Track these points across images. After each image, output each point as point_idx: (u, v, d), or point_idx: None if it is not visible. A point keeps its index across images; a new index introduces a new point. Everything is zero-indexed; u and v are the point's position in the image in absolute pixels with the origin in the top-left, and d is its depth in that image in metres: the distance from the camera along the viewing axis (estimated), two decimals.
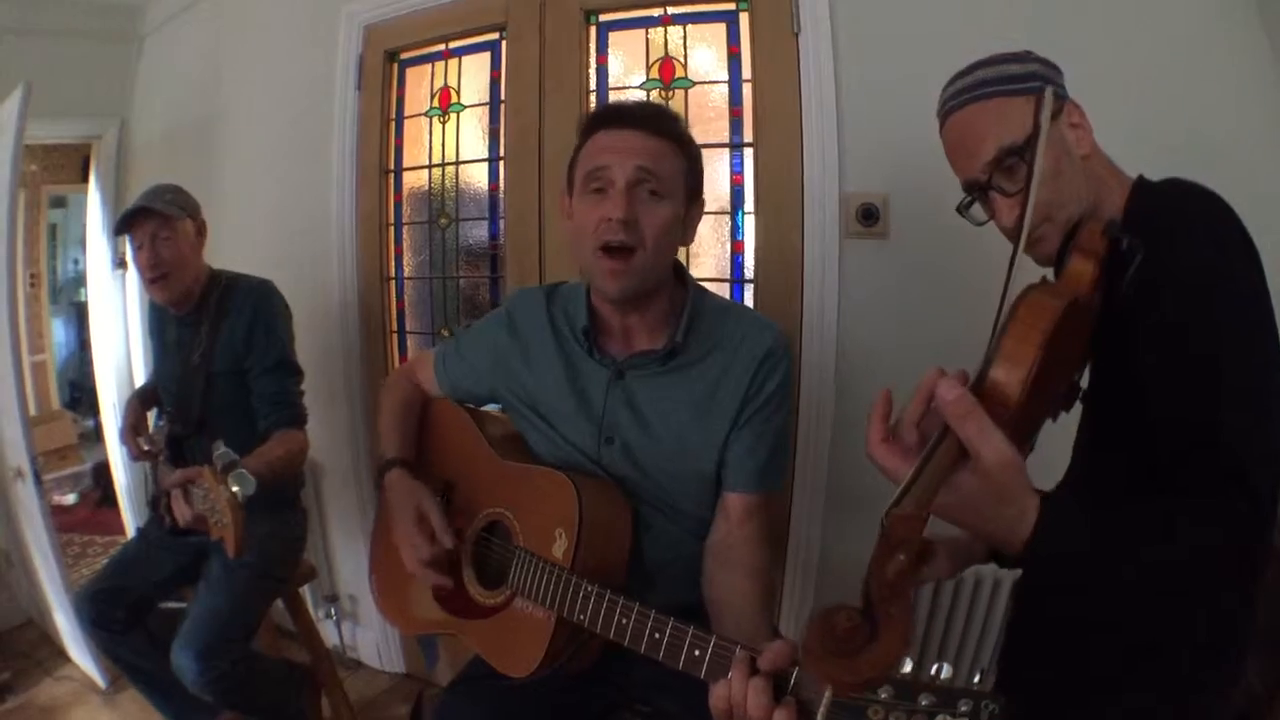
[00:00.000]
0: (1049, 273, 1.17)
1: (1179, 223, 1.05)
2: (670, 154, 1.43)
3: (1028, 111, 1.14)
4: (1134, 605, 1.00)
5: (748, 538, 1.48)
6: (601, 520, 1.43)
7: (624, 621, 1.23)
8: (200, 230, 2.38)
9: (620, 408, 1.53)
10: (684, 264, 1.61)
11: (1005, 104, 1.16)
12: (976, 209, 1.26)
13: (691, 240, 1.56)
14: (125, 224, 2.24)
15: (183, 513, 1.87)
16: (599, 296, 1.51)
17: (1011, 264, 1.00)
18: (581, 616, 1.29)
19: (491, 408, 1.82)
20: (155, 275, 2.25)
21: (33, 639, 3.55)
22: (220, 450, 1.80)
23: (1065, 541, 0.86)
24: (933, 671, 0.81)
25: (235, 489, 1.75)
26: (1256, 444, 0.93)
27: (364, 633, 3.26)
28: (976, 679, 0.81)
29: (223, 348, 2.30)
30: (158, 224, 2.24)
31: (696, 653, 1.12)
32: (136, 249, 2.26)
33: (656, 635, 1.18)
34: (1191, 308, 0.99)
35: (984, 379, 0.83)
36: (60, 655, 3.37)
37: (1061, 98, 1.18)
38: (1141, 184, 1.17)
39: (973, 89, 1.19)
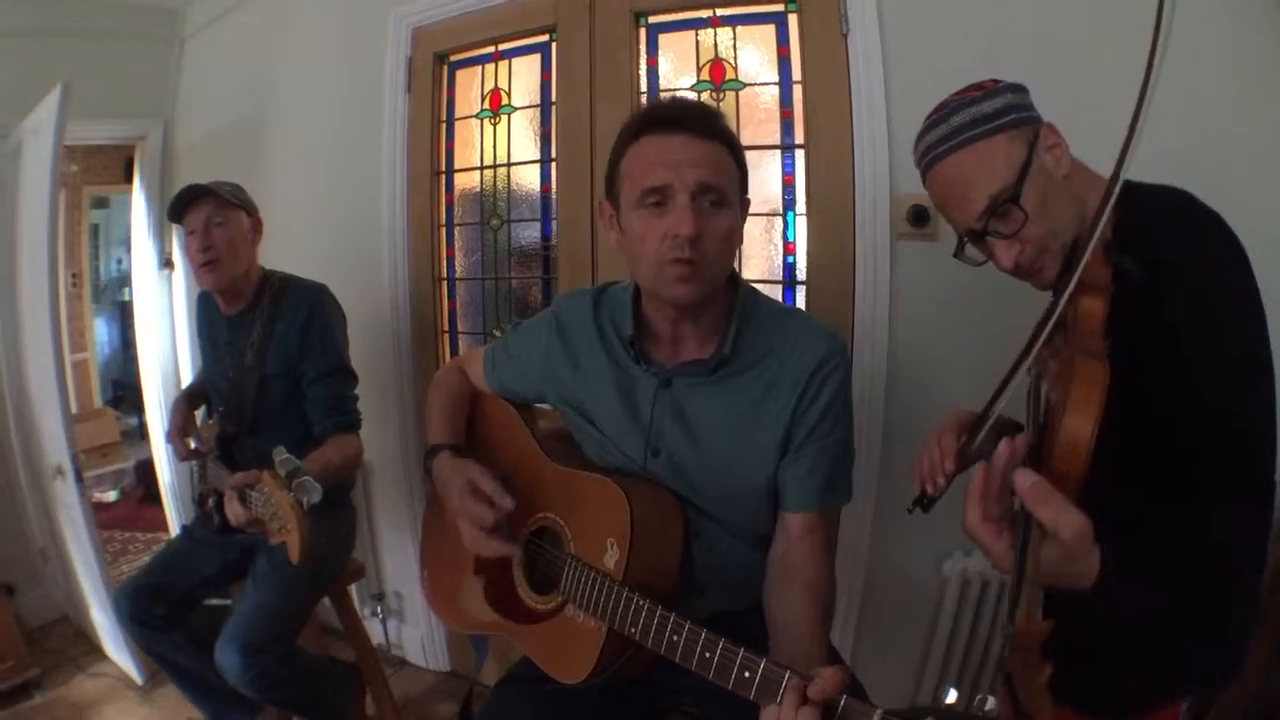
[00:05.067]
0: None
1: (1174, 233, 1.12)
2: (725, 159, 1.40)
3: (1008, 148, 1.20)
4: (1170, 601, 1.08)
5: (807, 553, 1.47)
6: (654, 531, 1.43)
7: (675, 639, 1.23)
8: (256, 228, 2.41)
9: (667, 418, 1.53)
10: (735, 267, 1.58)
11: (986, 148, 1.21)
12: (973, 251, 1.32)
13: (741, 240, 1.52)
14: (182, 202, 2.27)
15: (237, 514, 1.89)
16: (654, 304, 1.50)
17: (1043, 323, 1.08)
18: (633, 630, 1.30)
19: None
20: (206, 260, 2.27)
21: (66, 635, 3.63)
22: (283, 456, 1.81)
23: (1123, 588, 0.97)
24: (976, 701, 0.87)
25: (302, 497, 1.77)
26: (1261, 435, 1.07)
27: (409, 630, 3.32)
28: (990, 702, 0.87)
29: (276, 350, 2.32)
30: (213, 209, 2.27)
31: (746, 674, 1.13)
32: (188, 234, 2.28)
33: (707, 655, 1.18)
34: (1196, 314, 1.07)
35: (1052, 453, 0.96)
36: (96, 651, 3.43)
37: (1035, 122, 1.23)
38: (1127, 190, 1.14)
39: (950, 137, 1.24)
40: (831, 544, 1.51)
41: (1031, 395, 1.15)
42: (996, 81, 1.25)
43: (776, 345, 1.50)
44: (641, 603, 1.29)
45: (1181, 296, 1.08)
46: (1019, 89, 1.25)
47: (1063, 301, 1.06)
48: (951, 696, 0.91)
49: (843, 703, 1.00)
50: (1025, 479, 0.92)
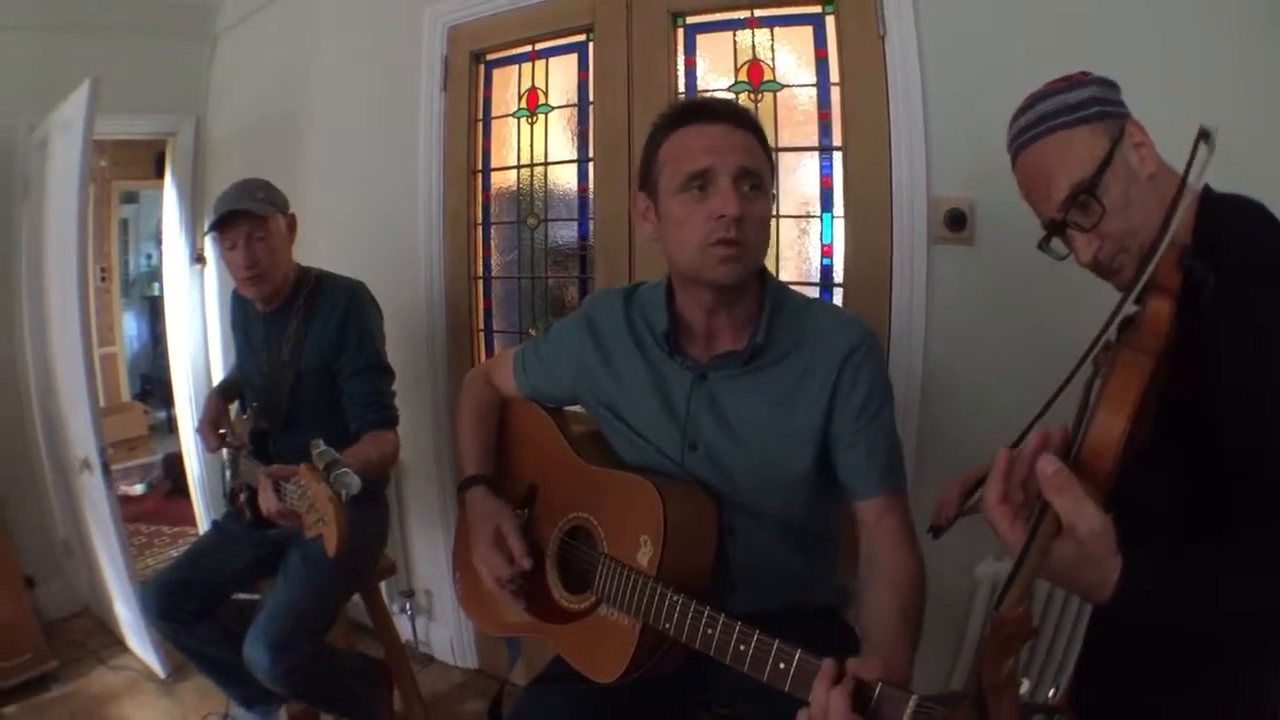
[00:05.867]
0: None
1: (1247, 251, 1.08)
2: (759, 149, 1.46)
3: (1091, 140, 1.18)
4: (1205, 630, 1.02)
5: (885, 539, 1.46)
6: (687, 528, 1.45)
7: (709, 632, 1.25)
8: (291, 225, 2.42)
9: (703, 411, 1.54)
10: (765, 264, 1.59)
11: (1068, 137, 1.20)
12: (1057, 244, 1.29)
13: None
14: (220, 224, 2.27)
15: (270, 504, 1.91)
16: (690, 294, 1.53)
17: (1113, 317, 1.05)
18: (667, 626, 1.31)
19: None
20: (250, 274, 2.30)
21: (87, 628, 3.65)
22: (321, 449, 1.80)
23: (1143, 604, 0.92)
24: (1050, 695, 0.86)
25: (341, 489, 1.75)
26: None
27: (438, 628, 3.36)
28: (1051, 693, 0.87)
29: (312, 347, 2.34)
30: (252, 224, 2.27)
31: (781, 665, 1.14)
32: (228, 248, 2.30)
33: (741, 647, 1.19)
34: (1261, 334, 1.01)
35: (1080, 446, 0.90)
36: (118, 644, 3.46)
37: (1121, 117, 1.21)
38: (1208, 199, 1.17)
39: (1035, 125, 1.23)
40: (910, 531, 1.50)
41: (1084, 393, 1.08)
42: (1086, 74, 1.24)
43: (808, 333, 1.53)
44: (675, 598, 1.31)
45: (1245, 318, 1.03)
46: (1108, 83, 1.24)
47: (1128, 302, 1.05)
48: None
49: (878, 690, 1.01)
50: (1048, 465, 0.87)
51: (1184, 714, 1.22)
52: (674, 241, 1.48)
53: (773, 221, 1.55)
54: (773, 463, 1.52)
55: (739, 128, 1.44)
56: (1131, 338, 0.98)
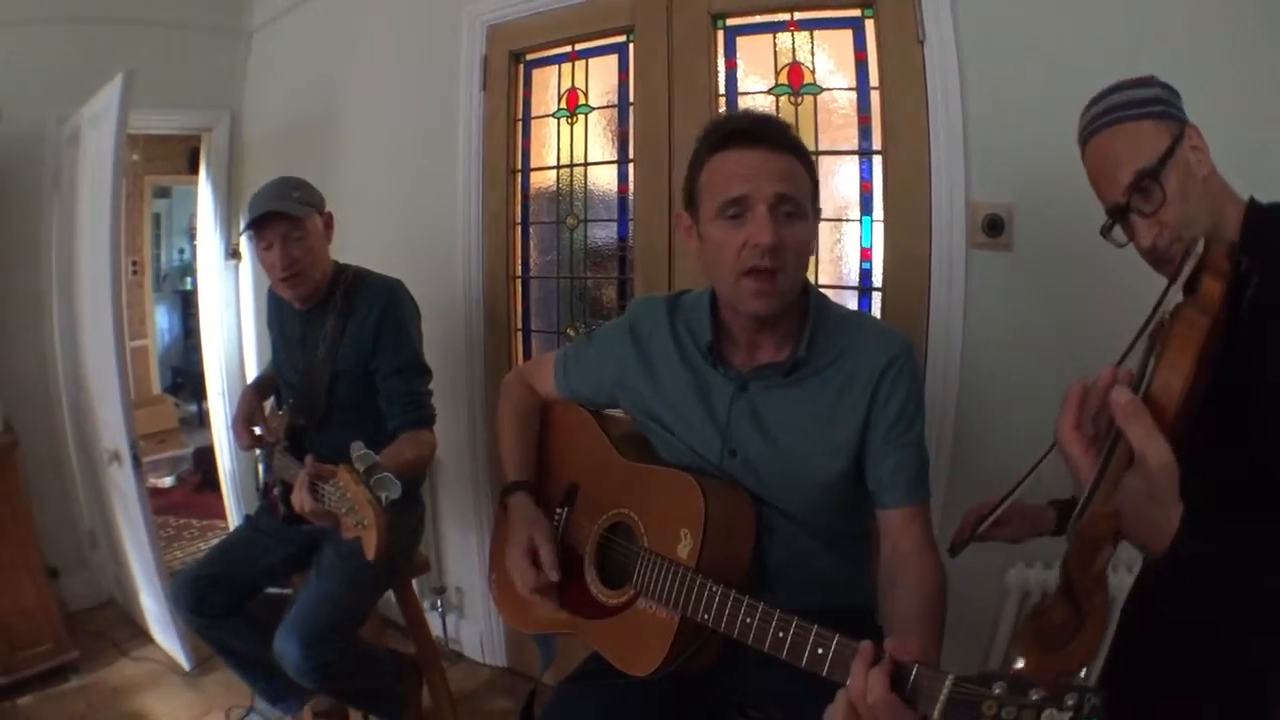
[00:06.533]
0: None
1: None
2: (800, 171, 1.47)
3: (1155, 134, 1.27)
4: (1244, 612, 1.02)
5: (913, 547, 1.49)
6: (726, 521, 1.47)
7: (748, 621, 1.26)
8: (328, 224, 2.42)
9: (744, 420, 1.58)
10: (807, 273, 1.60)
11: (1135, 128, 1.28)
12: (1117, 232, 1.35)
13: (815, 249, 1.59)
14: (255, 224, 2.27)
15: (303, 502, 1.92)
16: (732, 312, 1.56)
17: (1166, 291, 1.06)
18: (706, 616, 1.33)
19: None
20: (287, 275, 2.31)
21: (111, 619, 3.69)
22: (361, 451, 1.78)
23: (1199, 555, 0.92)
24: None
25: (381, 493, 1.76)
26: None
27: (468, 625, 3.39)
28: (1083, 673, 0.88)
29: (349, 345, 2.35)
30: (289, 225, 2.27)
31: (819, 650, 1.15)
32: (263, 248, 2.30)
33: (780, 634, 1.21)
34: None
35: (1145, 389, 0.90)
36: (141, 636, 3.49)
37: (1182, 120, 1.29)
38: (1254, 206, 1.26)
39: (1106, 114, 1.31)
40: (931, 541, 1.53)
41: (1140, 365, 1.03)
42: (1151, 76, 1.33)
43: (848, 347, 1.56)
44: (715, 588, 1.33)
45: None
46: (1170, 89, 1.32)
47: (1182, 276, 1.04)
48: (1020, 664, 0.90)
49: (915, 670, 1.02)
50: (1121, 395, 0.87)
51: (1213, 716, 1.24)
52: (712, 267, 1.53)
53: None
54: (811, 472, 1.55)
55: (778, 151, 1.45)
56: (1187, 303, 0.99)
